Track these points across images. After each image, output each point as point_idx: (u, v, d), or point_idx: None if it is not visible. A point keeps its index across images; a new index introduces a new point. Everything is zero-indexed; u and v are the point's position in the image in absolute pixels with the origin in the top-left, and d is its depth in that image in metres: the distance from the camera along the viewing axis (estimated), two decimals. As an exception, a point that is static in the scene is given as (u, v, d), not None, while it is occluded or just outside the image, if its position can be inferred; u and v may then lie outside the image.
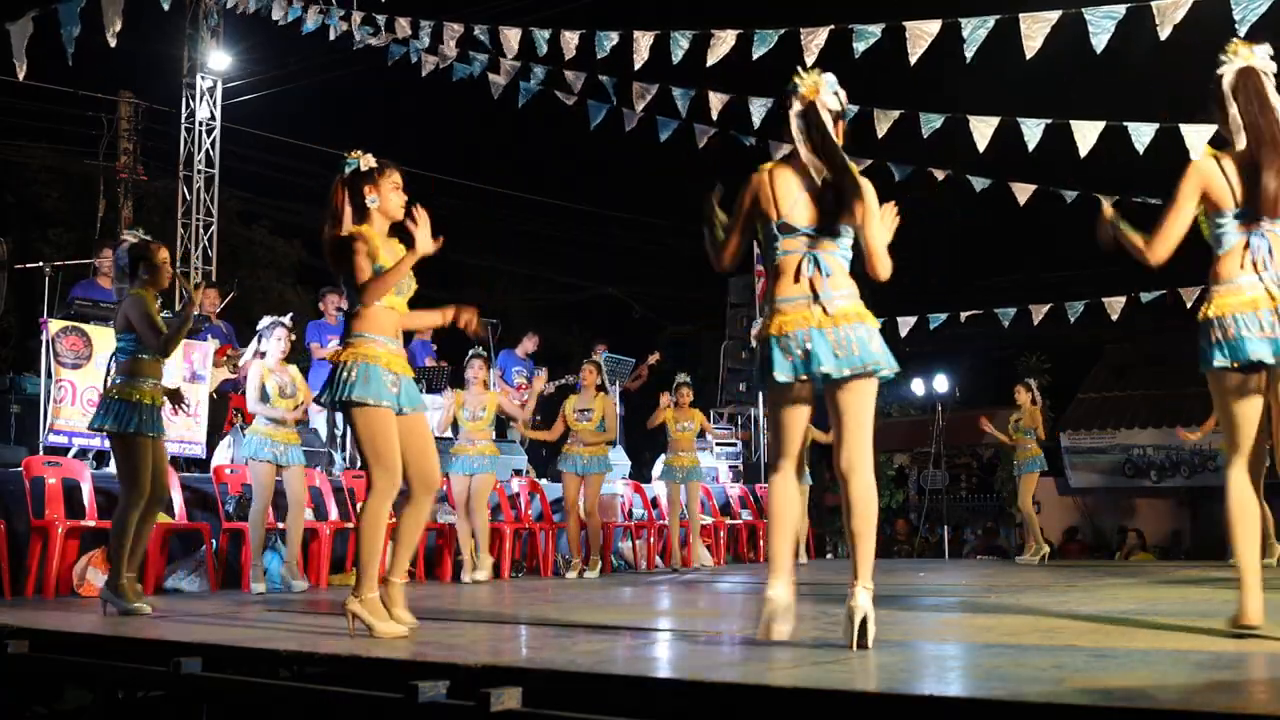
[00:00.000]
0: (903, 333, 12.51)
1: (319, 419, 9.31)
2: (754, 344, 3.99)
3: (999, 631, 3.87)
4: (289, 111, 21.15)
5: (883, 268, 3.52)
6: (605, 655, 3.38)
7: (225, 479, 7.32)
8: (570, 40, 9.13)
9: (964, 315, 12.83)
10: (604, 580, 8.21)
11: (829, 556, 12.00)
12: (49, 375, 7.45)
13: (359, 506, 4.52)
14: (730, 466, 12.69)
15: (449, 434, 8.34)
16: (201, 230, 14.30)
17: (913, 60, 7.80)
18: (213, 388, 8.61)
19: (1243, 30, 6.60)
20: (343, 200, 4.08)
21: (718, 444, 12.49)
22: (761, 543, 10.91)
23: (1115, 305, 11.66)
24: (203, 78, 14.50)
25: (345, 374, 3.95)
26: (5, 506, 6.38)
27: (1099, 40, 7.23)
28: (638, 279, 24.07)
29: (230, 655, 3.62)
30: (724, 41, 8.47)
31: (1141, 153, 8.16)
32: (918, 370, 18.55)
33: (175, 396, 5.55)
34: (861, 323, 3.39)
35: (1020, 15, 7.47)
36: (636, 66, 8.92)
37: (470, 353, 8.26)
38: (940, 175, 9.95)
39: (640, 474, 11.64)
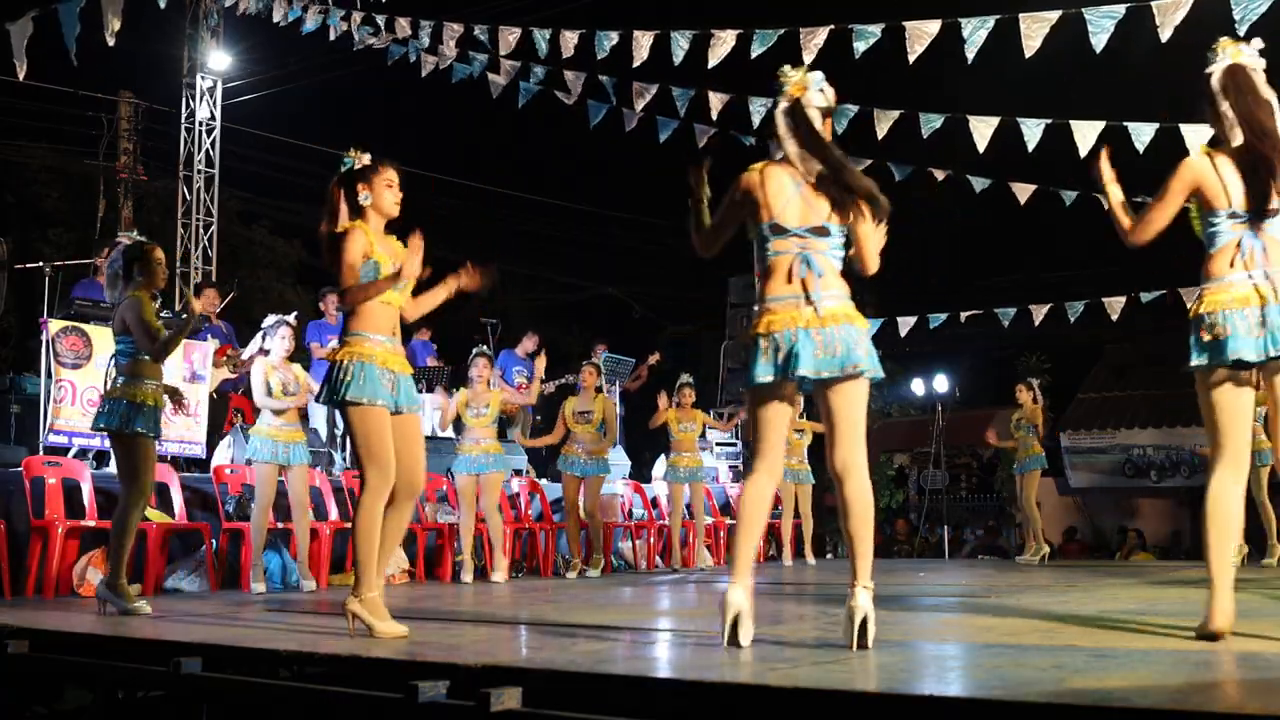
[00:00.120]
0: (903, 333, 12.51)
1: (319, 419, 9.32)
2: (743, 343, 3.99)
3: (999, 631, 3.86)
4: (289, 111, 21.21)
5: (872, 263, 3.54)
6: (605, 655, 3.38)
7: (225, 479, 7.32)
8: (570, 40, 9.13)
9: (964, 315, 12.80)
10: (604, 580, 8.21)
11: (829, 556, 11.98)
12: (49, 375, 7.45)
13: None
14: (730, 466, 12.68)
15: (449, 434, 8.35)
16: (201, 230, 14.31)
17: (912, 60, 7.80)
18: (213, 388, 8.62)
19: (1243, 30, 6.60)
20: (338, 198, 4.10)
21: (717, 444, 12.48)
22: (761, 543, 10.89)
23: (1115, 305, 11.63)
24: (203, 78, 14.52)
25: (341, 373, 3.97)
26: (5, 506, 6.38)
27: (1099, 40, 7.24)
28: (638, 279, 24.09)
29: (230, 655, 3.62)
30: (724, 41, 8.48)
31: (1141, 152, 8.16)
32: (918, 370, 18.58)
33: (175, 395, 5.56)
34: (850, 324, 3.38)
35: (1020, 15, 7.47)
36: (636, 66, 8.94)
37: (474, 351, 8.30)
38: (940, 175, 9.94)
39: (640, 474, 11.64)
